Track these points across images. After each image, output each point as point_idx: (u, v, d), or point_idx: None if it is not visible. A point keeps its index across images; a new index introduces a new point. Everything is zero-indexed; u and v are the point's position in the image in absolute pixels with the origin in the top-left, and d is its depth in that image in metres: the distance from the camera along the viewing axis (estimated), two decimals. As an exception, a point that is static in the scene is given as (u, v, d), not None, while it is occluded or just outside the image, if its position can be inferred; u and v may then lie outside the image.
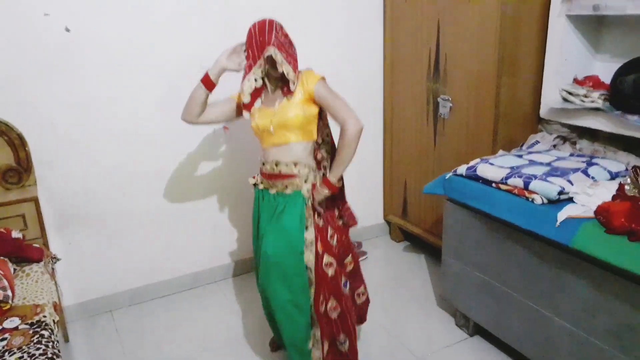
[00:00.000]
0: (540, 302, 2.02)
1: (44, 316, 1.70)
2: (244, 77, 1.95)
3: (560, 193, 1.93)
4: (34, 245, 2.10)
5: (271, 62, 1.91)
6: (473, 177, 2.23)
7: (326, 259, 2.02)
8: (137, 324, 2.73)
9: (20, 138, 2.33)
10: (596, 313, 1.81)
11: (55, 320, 1.79)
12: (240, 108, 2.05)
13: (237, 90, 2.05)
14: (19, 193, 2.31)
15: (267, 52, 1.87)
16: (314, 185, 2.03)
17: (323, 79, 1.99)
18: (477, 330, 2.51)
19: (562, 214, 1.84)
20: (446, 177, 2.35)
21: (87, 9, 2.40)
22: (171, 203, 2.86)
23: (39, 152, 2.45)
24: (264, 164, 2.07)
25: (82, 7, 2.39)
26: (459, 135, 2.79)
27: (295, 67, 1.94)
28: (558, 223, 1.82)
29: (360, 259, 3.25)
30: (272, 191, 2.06)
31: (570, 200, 1.94)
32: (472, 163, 2.28)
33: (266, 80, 1.99)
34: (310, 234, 1.99)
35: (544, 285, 1.99)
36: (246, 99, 1.97)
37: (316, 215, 2.03)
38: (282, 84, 1.98)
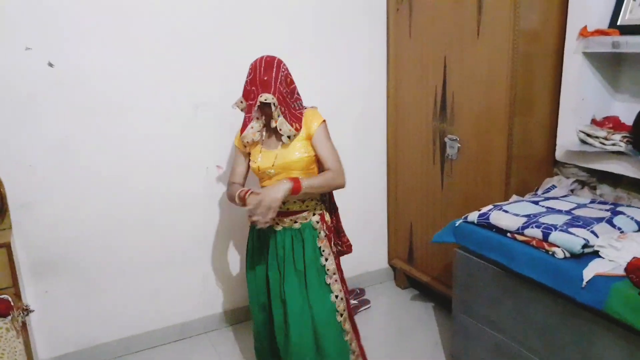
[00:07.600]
0: (564, 369, 1.80)
1: (1, 385, 1.50)
2: (245, 122, 1.92)
3: (585, 246, 1.74)
4: (1, 297, 1.90)
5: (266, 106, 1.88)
6: (486, 225, 2.04)
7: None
8: (119, 381, 2.52)
9: (-5, 179, 2.17)
10: (630, 386, 1.59)
11: (15, 389, 1.58)
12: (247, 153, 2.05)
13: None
14: (-10, 238, 2.13)
15: (262, 98, 1.83)
16: (322, 216, 2.03)
17: (324, 122, 1.95)
18: (491, 393, 2.27)
19: (589, 272, 1.65)
20: (456, 225, 2.16)
21: (71, 43, 2.27)
22: (158, 251, 2.67)
23: (16, 194, 2.28)
24: None
25: (66, 41, 2.26)
26: (467, 178, 2.61)
27: (292, 118, 1.90)
28: (584, 283, 1.62)
29: (362, 308, 3.08)
30: (278, 228, 2.01)
31: (596, 254, 1.74)
32: (484, 210, 2.10)
33: (264, 120, 1.94)
34: (331, 264, 2.01)
35: (568, 349, 1.78)
36: (251, 139, 1.94)
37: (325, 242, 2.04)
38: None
